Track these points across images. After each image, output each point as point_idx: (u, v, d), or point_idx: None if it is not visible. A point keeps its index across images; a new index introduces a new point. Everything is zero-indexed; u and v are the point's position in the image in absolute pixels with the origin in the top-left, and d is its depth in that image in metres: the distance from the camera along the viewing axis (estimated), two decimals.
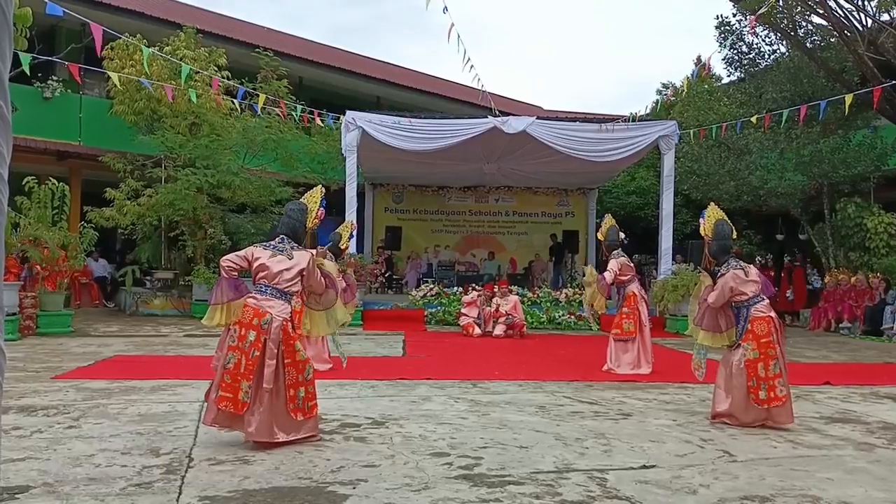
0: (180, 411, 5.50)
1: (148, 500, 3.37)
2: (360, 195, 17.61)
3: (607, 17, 79.52)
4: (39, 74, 15.33)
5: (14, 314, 10.57)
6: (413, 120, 14.68)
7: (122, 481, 3.64)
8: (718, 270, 5.62)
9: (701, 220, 5.99)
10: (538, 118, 15.35)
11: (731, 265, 5.58)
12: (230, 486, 3.63)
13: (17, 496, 3.36)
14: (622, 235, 8.77)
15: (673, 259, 15.14)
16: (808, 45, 16.31)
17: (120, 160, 15.42)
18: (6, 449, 4.16)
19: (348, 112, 14.45)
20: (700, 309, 5.72)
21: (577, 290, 15.38)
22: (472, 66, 13.83)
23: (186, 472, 3.86)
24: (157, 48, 14.22)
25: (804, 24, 16.13)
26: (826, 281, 16.09)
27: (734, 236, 5.90)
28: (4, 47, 1.10)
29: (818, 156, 15.91)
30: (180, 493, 3.49)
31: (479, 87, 14.80)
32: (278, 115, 15.08)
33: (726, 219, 5.92)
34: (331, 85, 22.14)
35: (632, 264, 8.70)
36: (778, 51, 17.60)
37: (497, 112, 15.81)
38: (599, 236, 9.13)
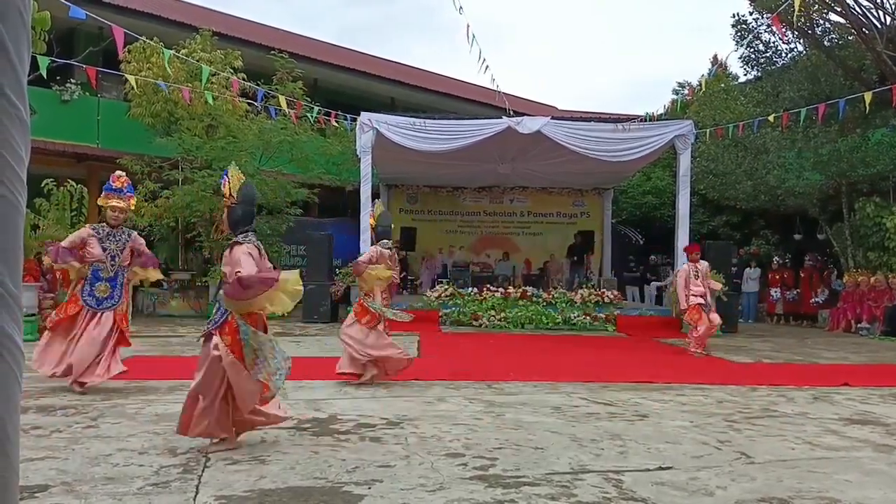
0: None
1: (165, 500, 3.39)
2: (376, 196, 17.65)
3: (609, 16, 79.39)
4: (58, 77, 15.48)
5: (33, 315, 10.67)
6: (427, 121, 14.69)
7: (139, 480, 3.67)
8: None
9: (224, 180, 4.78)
10: (553, 118, 15.31)
11: (250, 238, 4.58)
12: (246, 485, 3.64)
13: (36, 495, 3.40)
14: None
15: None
16: (825, 43, 16.18)
17: (137, 162, 15.55)
18: (26, 448, 4.20)
19: (363, 113, 14.48)
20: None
21: (592, 290, 15.36)
22: (487, 67, 13.84)
23: (203, 471, 3.89)
24: (173, 51, 14.32)
25: (822, 22, 16.00)
26: (845, 281, 15.94)
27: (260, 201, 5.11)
28: (23, 51, 1.11)
29: (836, 155, 15.76)
30: (197, 493, 3.51)
31: (495, 88, 14.81)
32: (293, 116, 15.15)
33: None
34: (345, 86, 22.21)
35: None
36: (795, 49, 17.47)
37: (511, 112, 15.79)
38: (371, 221, 8.06)
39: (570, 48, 79.41)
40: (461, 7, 11.21)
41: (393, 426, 5.13)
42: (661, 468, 4.20)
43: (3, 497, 1.07)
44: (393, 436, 4.83)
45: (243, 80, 14.95)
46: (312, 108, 14.49)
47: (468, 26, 12.30)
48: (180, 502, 3.36)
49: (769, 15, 13.85)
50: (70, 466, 3.90)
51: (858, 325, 15.00)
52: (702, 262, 10.75)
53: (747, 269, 18.40)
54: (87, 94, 16.71)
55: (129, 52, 14.90)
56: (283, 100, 13.24)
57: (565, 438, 4.89)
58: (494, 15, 76.18)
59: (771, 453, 4.61)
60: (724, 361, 9.77)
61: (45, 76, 8.98)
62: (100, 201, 6.72)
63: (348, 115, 14.74)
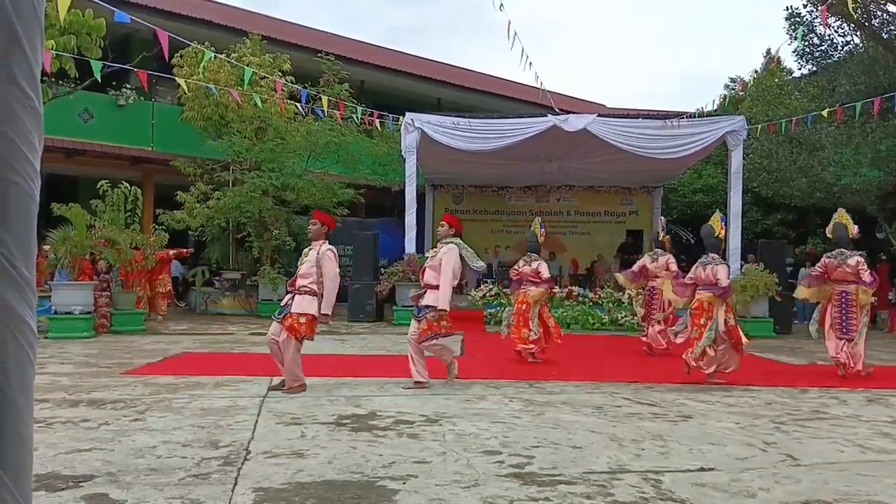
0: (241, 406, 5.64)
1: (204, 490, 3.46)
2: (421, 196, 17.71)
3: (661, 12, 78.15)
4: (114, 83, 15.95)
5: (89, 312, 11.03)
6: (472, 120, 14.67)
7: (181, 472, 3.76)
8: None
9: None
10: (599, 115, 15.13)
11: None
12: (284, 478, 3.70)
13: (81, 484, 3.51)
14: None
15: (745, 259, 14.68)
16: (883, 35, 15.61)
17: (190, 164, 15.93)
18: (74, 440, 4.34)
19: (407, 114, 14.55)
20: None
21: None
22: (530, 64, 13.75)
23: (243, 464, 3.96)
24: (224, 55, 14.61)
25: (879, 13, 15.45)
26: None
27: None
28: (36, 44, 1.14)
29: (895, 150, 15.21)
30: (235, 485, 3.57)
31: (539, 86, 14.72)
32: (339, 117, 15.31)
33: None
34: (392, 88, 22.34)
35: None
36: (851, 42, 16.90)
37: (558, 110, 15.67)
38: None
39: (621, 45, 78.53)
40: (501, 4, 11.15)
41: (431, 423, 5.15)
42: (702, 469, 4.11)
43: (18, 478, 1.11)
44: (431, 433, 4.84)
45: (291, 83, 15.18)
46: (356, 108, 14.62)
47: (509, 23, 12.26)
48: (219, 493, 3.43)
49: (823, 6, 13.41)
50: (115, 457, 4.01)
51: None
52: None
53: (802, 269, 17.86)
54: (142, 98, 17.18)
55: (180, 56, 15.26)
56: (325, 100, 13.38)
57: (605, 438, 4.83)
58: (543, 13, 75.84)
59: (818, 456, 4.48)
60: (775, 363, 9.52)
61: (99, 80, 9.22)
62: None
63: (391, 116, 14.82)
